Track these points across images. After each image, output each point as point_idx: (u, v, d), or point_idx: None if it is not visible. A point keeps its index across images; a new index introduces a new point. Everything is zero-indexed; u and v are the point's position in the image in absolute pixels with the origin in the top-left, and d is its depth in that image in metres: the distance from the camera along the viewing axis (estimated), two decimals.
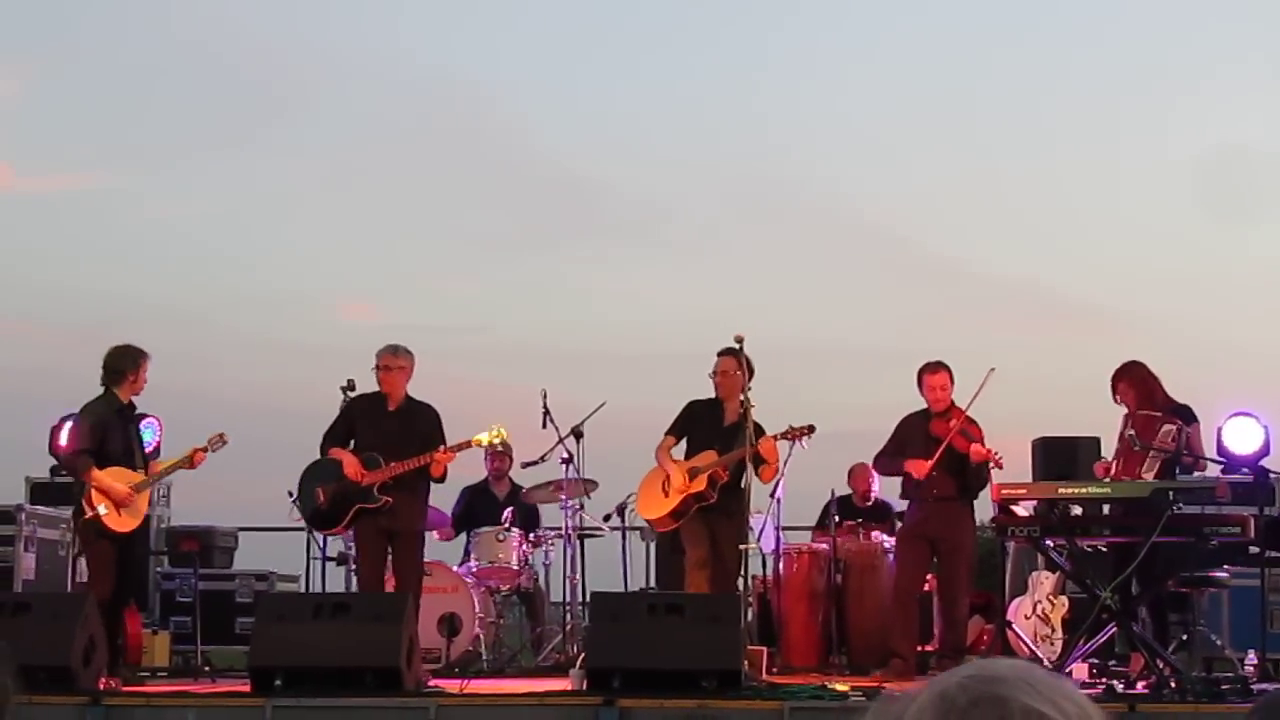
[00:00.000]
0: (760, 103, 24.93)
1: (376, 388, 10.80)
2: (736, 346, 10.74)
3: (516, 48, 25.54)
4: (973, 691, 1.70)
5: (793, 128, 25.00)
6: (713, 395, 11.03)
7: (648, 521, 11.46)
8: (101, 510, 10.24)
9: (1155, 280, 23.92)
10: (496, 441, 11.06)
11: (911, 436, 10.95)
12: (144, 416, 11.14)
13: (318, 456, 10.83)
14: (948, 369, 10.94)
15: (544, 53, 25.41)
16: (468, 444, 10.78)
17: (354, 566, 11.60)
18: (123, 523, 10.38)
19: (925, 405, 10.97)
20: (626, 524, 12.40)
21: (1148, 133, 24.18)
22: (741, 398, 10.50)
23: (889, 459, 11.14)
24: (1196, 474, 10.29)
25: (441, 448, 10.60)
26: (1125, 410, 10.33)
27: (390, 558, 10.66)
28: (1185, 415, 10.23)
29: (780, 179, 24.57)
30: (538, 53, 25.44)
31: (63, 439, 13.69)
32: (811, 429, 10.71)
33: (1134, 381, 10.32)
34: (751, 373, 10.69)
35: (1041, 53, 24.42)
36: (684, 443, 11.04)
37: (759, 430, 10.55)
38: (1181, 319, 23.16)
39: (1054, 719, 1.67)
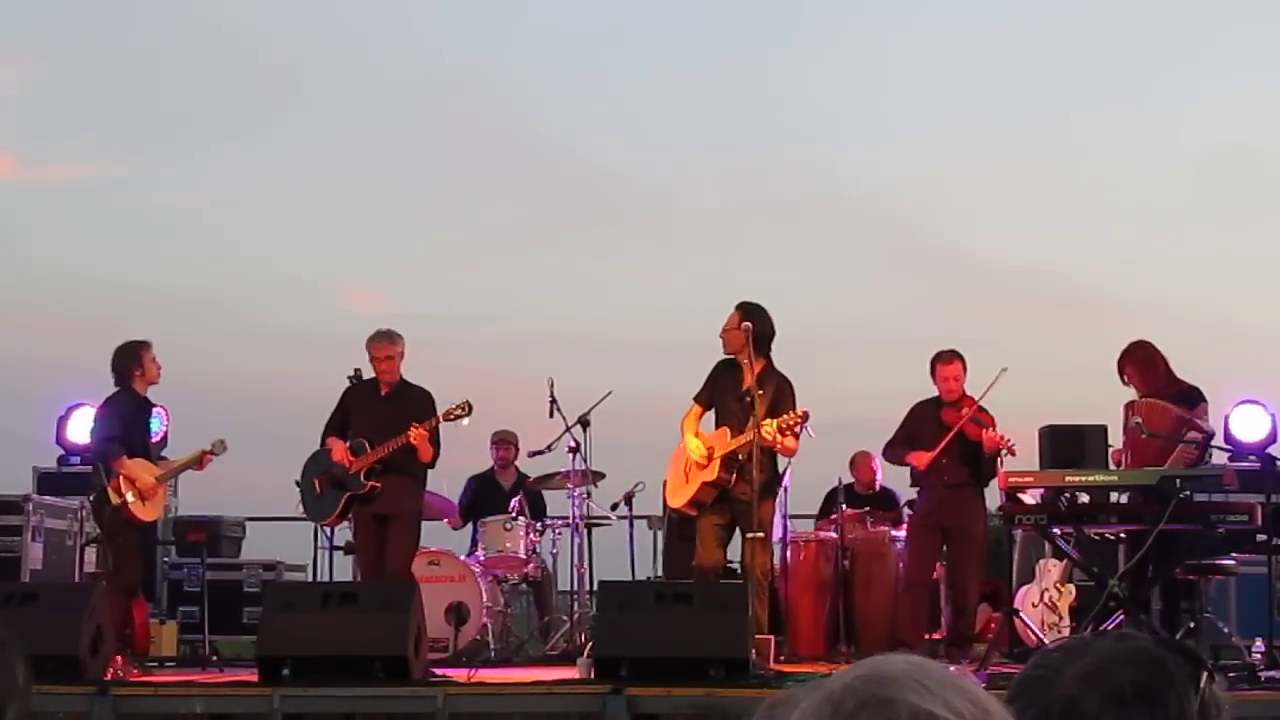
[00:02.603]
0: (770, 91, 24.92)
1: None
2: (752, 303, 10.40)
3: (526, 36, 25.52)
4: (860, 693, 1.62)
5: (803, 115, 24.98)
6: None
7: (674, 509, 11.17)
8: (129, 498, 10.31)
9: (1164, 269, 23.89)
10: (463, 413, 10.70)
11: (922, 425, 10.94)
12: (152, 406, 11.17)
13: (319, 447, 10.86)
14: (961, 359, 10.90)
15: (554, 41, 25.41)
16: (439, 420, 10.60)
17: (356, 555, 11.65)
18: (147, 512, 10.51)
19: (937, 394, 10.96)
20: (634, 513, 12.41)
21: (1161, 125, 24.14)
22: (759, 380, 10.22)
23: (896, 448, 11.13)
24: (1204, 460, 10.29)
25: (414, 426, 10.41)
26: (1128, 399, 10.31)
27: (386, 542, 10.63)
28: (1192, 397, 10.21)
29: (789, 167, 24.52)
30: (547, 41, 25.43)
31: (70, 429, 13.74)
32: (806, 415, 10.17)
33: (1140, 363, 10.31)
34: (763, 334, 10.27)
35: (1055, 43, 24.40)
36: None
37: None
38: (1190, 308, 23.12)
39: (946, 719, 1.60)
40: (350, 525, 11.13)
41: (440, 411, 10.63)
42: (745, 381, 10.29)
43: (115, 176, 25.34)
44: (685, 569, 10.92)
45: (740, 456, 10.17)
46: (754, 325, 10.25)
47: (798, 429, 10.16)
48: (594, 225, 25.72)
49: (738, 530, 10.41)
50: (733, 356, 10.47)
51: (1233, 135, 23.08)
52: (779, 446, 10.15)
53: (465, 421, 10.79)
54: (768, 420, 10.01)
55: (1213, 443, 10.35)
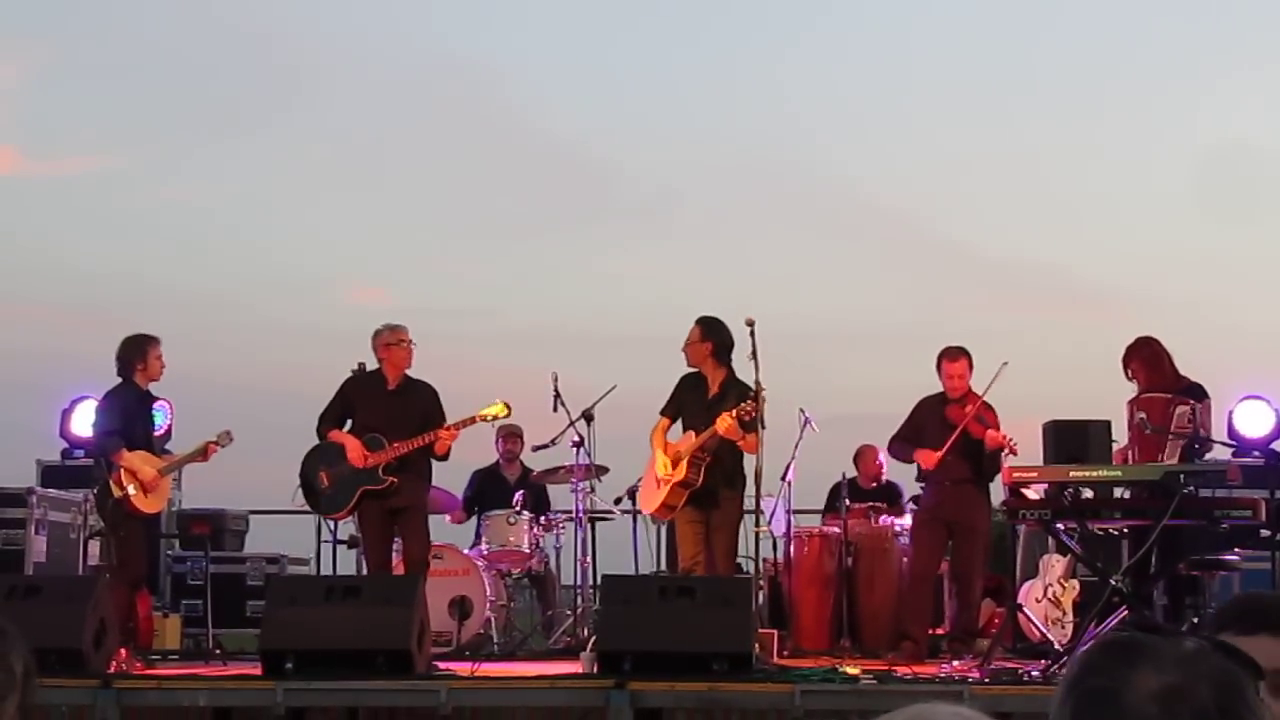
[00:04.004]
0: (777, 86, 24.87)
1: (378, 363, 10.82)
2: (711, 318, 10.68)
3: (528, 30, 25.50)
4: None
5: (808, 111, 24.95)
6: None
7: (648, 514, 11.37)
8: (130, 490, 10.32)
9: (1169, 264, 23.87)
10: (501, 415, 10.91)
11: (927, 421, 10.94)
12: (155, 400, 11.17)
13: (317, 440, 10.84)
14: (967, 355, 10.91)
15: (556, 35, 25.38)
16: (471, 420, 10.74)
17: (363, 549, 11.63)
18: (149, 504, 10.51)
19: (942, 390, 10.96)
20: (637, 507, 12.39)
21: (1169, 120, 24.10)
22: (755, 380, 10.38)
23: (903, 444, 11.13)
24: (1208, 455, 10.27)
25: (446, 425, 10.56)
26: (1131, 397, 10.30)
27: (397, 536, 10.68)
28: (1196, 393, 10.20)
29: (794, 161, 24.53)
30: (550, 35, 25.39)
31: (74, 422, 13.75)
32: (754, 406, 10.22)
33: (1145, 359, 10.29)
34: (723, 346, 10.57)
35: (1065, 41, 24.37)
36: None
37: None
38: (1195, 303, 23.09)
39: None
40: (354, 519, 11.14)
41: (476, 412, 10.79)
42: (710, 390, 10.64)
43: (119, 170, 25.33)
44: None
45: (704, 455, 10.44)
46: (713, 340, 10.63)
47: (749, 418, 10.24)
48: (598, 219, 25.69)
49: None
50: (696, 369, 10.76)
51: (1240, 131, 23.08)
52: (741, 443, 10.36)
53: (502, 417, 11.03)
54: (724, 414, 10.25)
55: (1210, 427, 10.34)
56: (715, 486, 10.49)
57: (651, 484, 10.77)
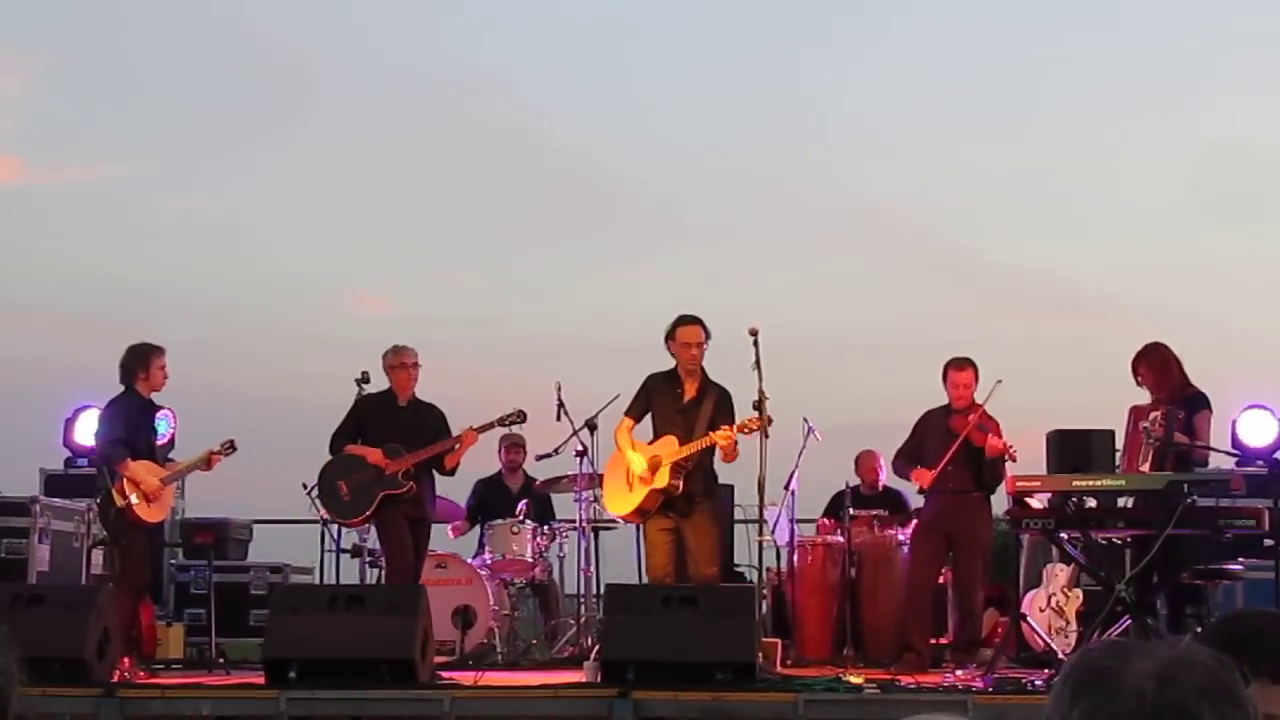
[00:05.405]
0: (782, 96, 24.92)
1: (388, 382, 10.92)
2: (697, 317, 10.54)
3: (536, 40, 25.54)
4: None
5: (811, 120, 24.98)
6: (671, 368, 10.60)
7: (616, 516, 11.23)
8: (133, 500, 10.32)
9: (1172, 273, 23.89)
10: (520, 420, 11.17)
11: (929, 432, 10.95)
12: (158, 409, 11.17)
13: (327, 454, 10.88)
14: (974, 366, 10.94)
15: (560, 44, 25.42)
16: (491, 425, 11.00)
17: (369, 558, 11.67)
18: (152, 513, 10.53)
19: (945, 401, 10.97)
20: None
21: (1169, 128, 24.14)
22: (758, 389, 10.35)
23: (903, 462, 11.15)
24: (1210, 465, 10.26)
25: (467, 428, 10.84)
26: (1132, 404, 10.29)
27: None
28: (1195, 403, 10.17)
29: (799, 171, 24.57)
30: (558, 45, 25.45)
31: (78, 431, 13.75)
32: (768, 419, 10.22)
33: (1154, 364, 10.27)
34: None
35: (1068, 50, 24.37)
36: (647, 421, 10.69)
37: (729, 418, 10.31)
38: (1198, 311, 23.10)
39: None
40: (365, 528, 11.21)
41: (494, 418, 11.02)
42: (687, 393, 10.50)
43: (122, 179, 25.41)
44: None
45: (688, 463, 10.35)
46: (707, 342, 10.50)
47: (749, 432, 10.19)
48: (601, 228, 25.74)
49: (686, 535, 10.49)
50: (665, 370, 10.61)
51: (1242, 136, 23.08)
52: (728, 455, 10.32)
53: (518, 428, 11.40)
54: (727, 426, 10.17)
55: (1208, 436, 10.33)
56: (691, 494, 10.40)
57: (622, 486, 10.58)
